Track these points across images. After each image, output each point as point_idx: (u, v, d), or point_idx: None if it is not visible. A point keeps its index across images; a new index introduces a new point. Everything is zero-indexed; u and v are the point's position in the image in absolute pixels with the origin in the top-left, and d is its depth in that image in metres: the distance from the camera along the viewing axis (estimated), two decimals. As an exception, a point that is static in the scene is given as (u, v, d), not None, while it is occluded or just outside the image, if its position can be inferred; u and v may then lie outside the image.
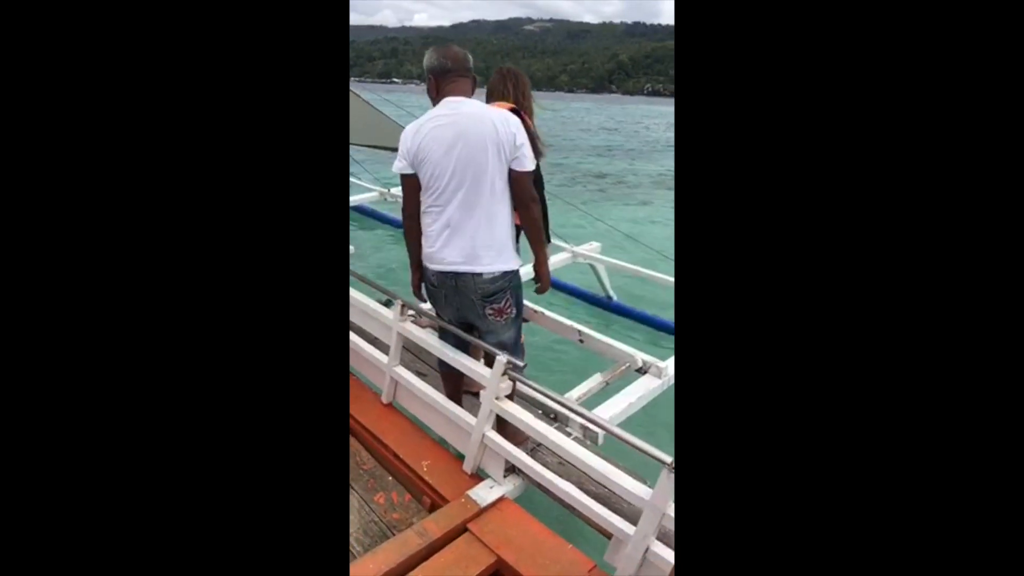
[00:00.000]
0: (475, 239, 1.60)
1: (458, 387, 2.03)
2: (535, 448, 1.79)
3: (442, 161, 1.57)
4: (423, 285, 1.82)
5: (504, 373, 1.59)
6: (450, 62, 1.63)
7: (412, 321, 2.07)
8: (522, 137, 1.59)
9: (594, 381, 2.25)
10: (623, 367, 2.28)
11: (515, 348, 1.81)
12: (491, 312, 1.67)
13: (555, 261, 3.21)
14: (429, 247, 1.68)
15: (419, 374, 2.20)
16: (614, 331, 3.59)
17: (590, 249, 3.63)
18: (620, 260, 4.00)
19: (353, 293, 2.38)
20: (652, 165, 13.70)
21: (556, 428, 1.83)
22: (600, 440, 1.87)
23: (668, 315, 3.76)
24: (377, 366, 2.23)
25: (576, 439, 1.82)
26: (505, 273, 1.64)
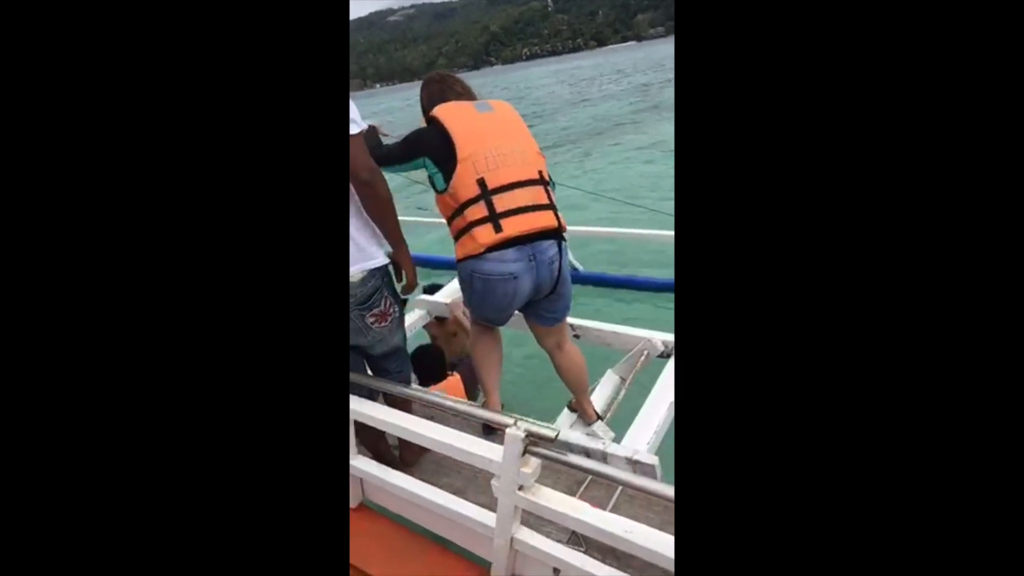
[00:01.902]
0: None
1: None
2: (573, 537, 1.19)
3: None
4: None
5: (524, 452, 0.97)
6: None
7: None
8: None
9: (610, 384, 1.70)
10: (642, 356, 1.74)
11: (404, 355, 1.53)
12: (373, 319, 1.35)
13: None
14: None
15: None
16: (607, 312, 3.03)
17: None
18: (576, 226, 3.47)
19: None
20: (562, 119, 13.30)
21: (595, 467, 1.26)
22: (659, 473, 1.32)
23: (650, 272, 3.22)
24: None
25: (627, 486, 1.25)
26: (373, 271, 1.31)
